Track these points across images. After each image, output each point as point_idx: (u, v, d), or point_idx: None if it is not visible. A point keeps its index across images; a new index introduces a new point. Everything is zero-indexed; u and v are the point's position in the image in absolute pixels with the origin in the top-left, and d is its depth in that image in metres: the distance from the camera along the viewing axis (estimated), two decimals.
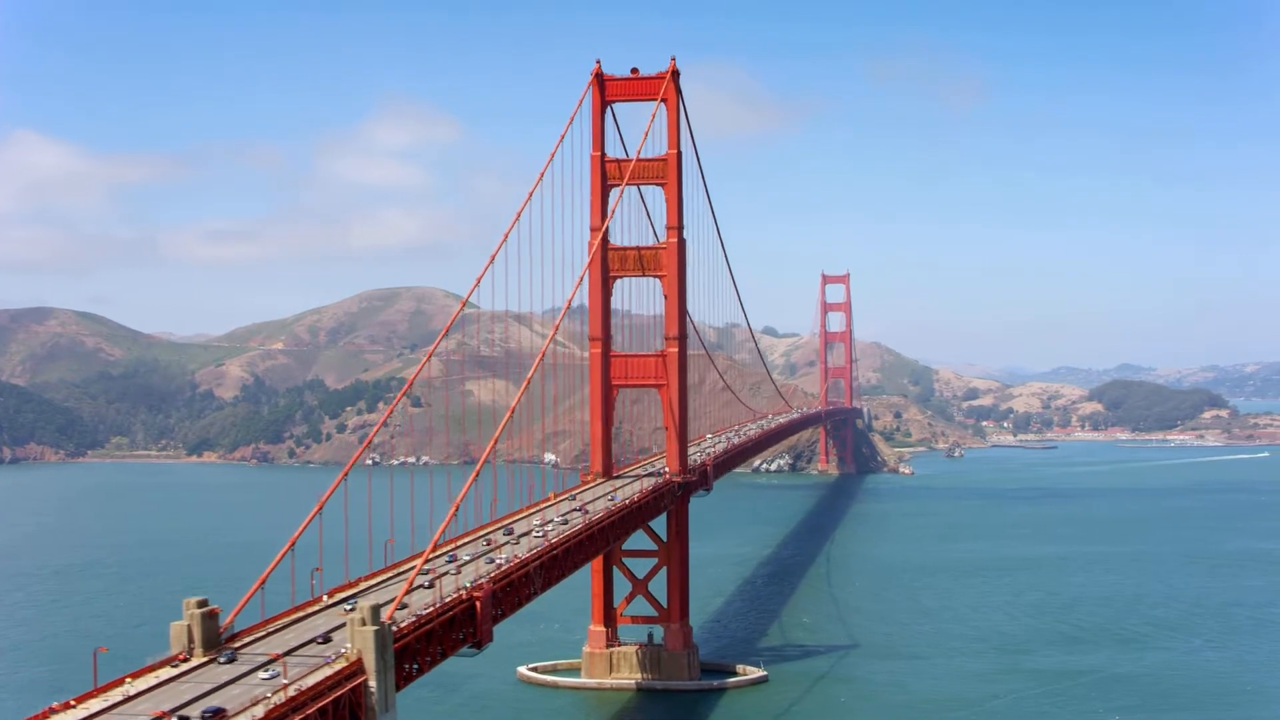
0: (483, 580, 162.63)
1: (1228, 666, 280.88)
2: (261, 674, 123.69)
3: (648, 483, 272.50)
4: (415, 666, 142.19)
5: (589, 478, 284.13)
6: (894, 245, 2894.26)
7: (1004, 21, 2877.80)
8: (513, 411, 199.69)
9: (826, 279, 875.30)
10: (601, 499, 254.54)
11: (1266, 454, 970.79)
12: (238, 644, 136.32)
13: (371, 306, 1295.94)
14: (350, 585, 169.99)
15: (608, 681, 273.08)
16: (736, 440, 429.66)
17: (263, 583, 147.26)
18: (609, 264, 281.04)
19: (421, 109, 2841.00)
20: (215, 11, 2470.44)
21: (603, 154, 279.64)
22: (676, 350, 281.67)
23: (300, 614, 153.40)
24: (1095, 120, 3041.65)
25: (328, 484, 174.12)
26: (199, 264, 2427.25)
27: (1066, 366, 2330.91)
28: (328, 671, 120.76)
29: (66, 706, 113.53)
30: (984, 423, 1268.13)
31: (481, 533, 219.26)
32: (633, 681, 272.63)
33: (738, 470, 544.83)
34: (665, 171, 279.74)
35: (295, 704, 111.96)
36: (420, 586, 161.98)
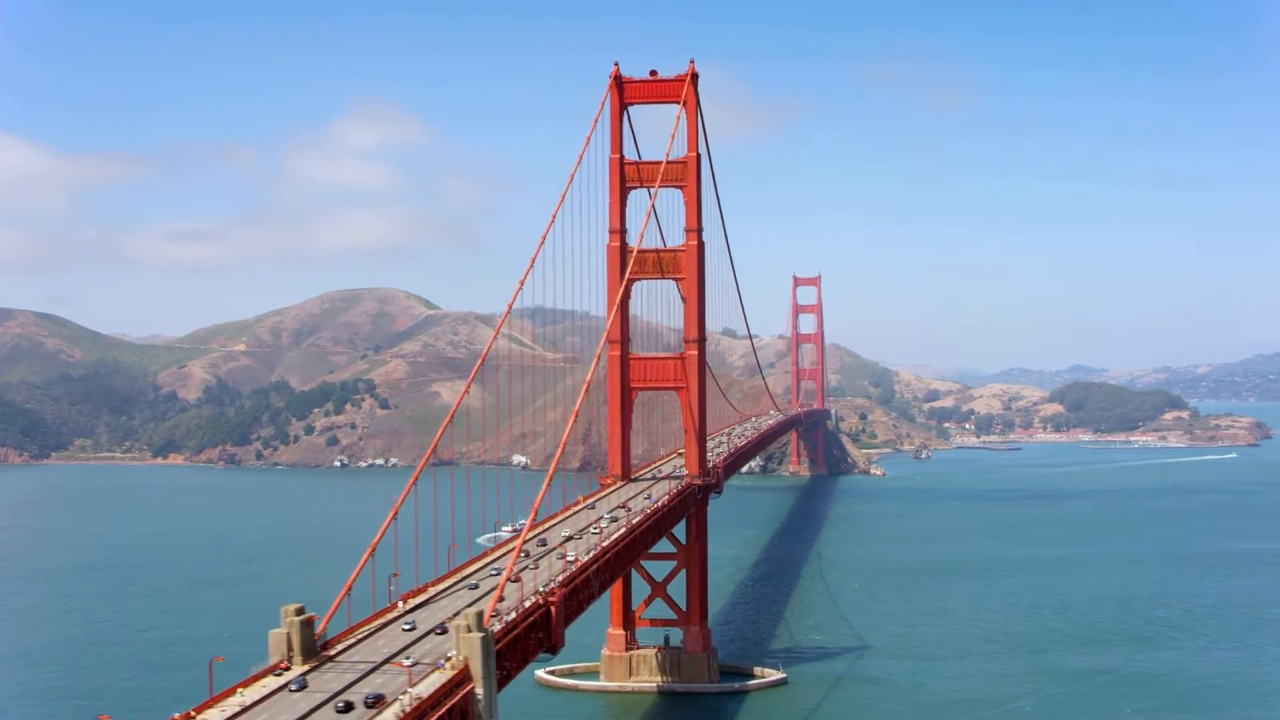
0: (554, 585, 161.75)
1: (1242, 666, 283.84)
2: (375, 679, 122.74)
3: (671, 485, 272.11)
4: (504, 672, 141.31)
5: (609, 481, 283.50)
6: (847, 247, 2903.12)
7: (980, 27, 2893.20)
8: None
9: (798, 281, 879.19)
10: (638, 498, 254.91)
11: (1234, 455, 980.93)
12: (331, 651, 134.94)
13: (334, 308, 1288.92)
14: (419, 590, 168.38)
15: (628, 685, 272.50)
16: (740, 442, 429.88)
17: (349, 590, 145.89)
18: (628, 266, 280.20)
19: (391, 110, 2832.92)
20: (189, 11, 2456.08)
21: (622, 156, 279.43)
22: (696, 353, 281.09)
23: (379, 621, 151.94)
24: (1056, 123, 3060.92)
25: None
26: (162, 265, 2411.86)
27: (1019, 368, 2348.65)
28: (440, 679, 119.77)
29: (187, 718, 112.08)
30: (946, 424, 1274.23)
31: (518, 541, 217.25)
32: (653, 684, 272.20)
33: None
34: (684, 174, 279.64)
35: (418, 713, 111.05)
36: (487, 593, 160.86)
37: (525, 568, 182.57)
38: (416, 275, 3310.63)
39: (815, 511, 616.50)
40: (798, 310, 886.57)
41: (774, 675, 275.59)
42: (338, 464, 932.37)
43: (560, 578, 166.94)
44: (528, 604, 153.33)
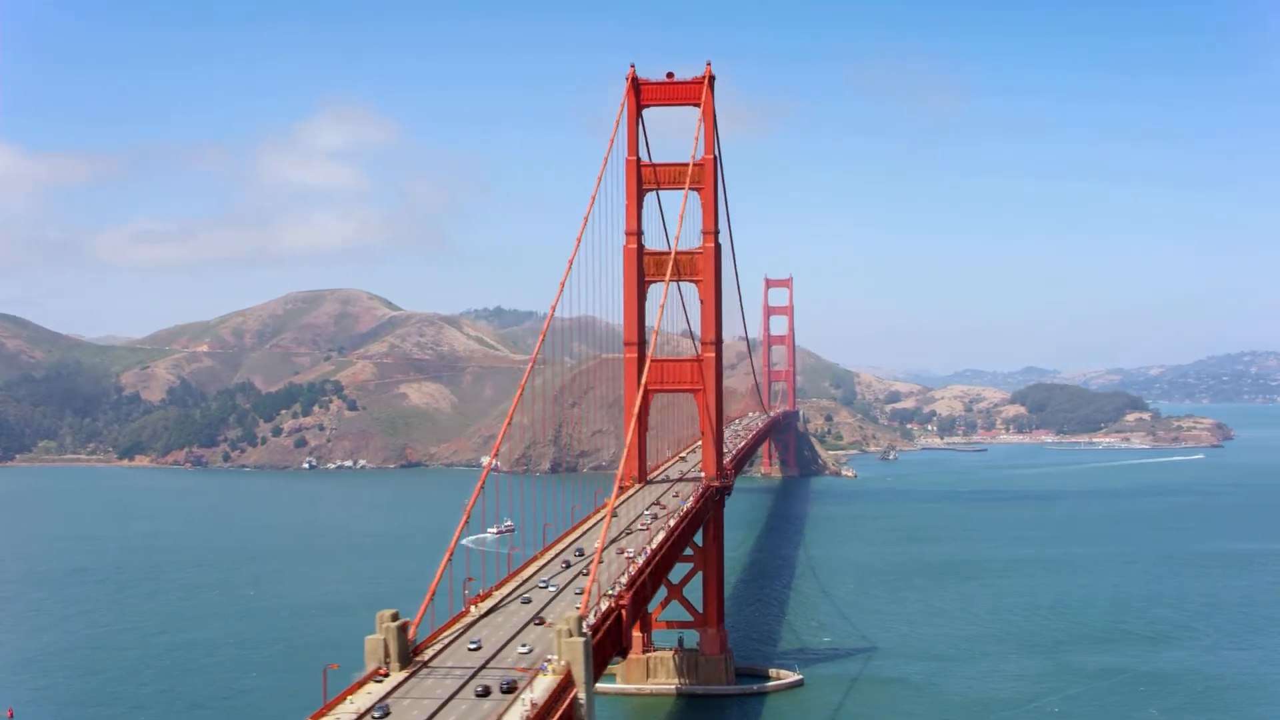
0: (621, 589, 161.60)
1: (1255, 665, 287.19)
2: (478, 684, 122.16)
3: (695, 487, 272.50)
4: None
5: (627, 483, 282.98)
6: (806, 249, 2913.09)
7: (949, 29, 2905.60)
8: None
9: (770, 283, 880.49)
10: (669, 497, 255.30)
11: (1201, 455, 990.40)
12: (422, 658, 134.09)
13: (296, 308, 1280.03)
14: (484, 595, 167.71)
15: (646, 687, 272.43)
16: (740, 443, 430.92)
17: (433, 595, 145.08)
18: (644, 269, 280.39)
19: (360, 111, 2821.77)
20: (158, 11, 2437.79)
21: (638, 159, 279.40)
22: (713, 355, 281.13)
23: (457, 625, 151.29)
24: (1010, 124, 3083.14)
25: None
26: (128, 266, 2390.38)
27: (973, 369, 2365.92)
28: (550, 683, 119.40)
29: None
30: (909, 425, 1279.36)
31: (556, 549, 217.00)
32: (672, 686, 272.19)
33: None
34: (701, 176, 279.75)
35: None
36: (548, 601, 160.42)
37: (577, 573, 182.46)
38: (380, 276, 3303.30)
39: (795, 513, 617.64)
40: (769, 312, 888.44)
41: (790, 677, 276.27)
42: (306, 466, 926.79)
43: (624, 579, 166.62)
44: (603, 608, 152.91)
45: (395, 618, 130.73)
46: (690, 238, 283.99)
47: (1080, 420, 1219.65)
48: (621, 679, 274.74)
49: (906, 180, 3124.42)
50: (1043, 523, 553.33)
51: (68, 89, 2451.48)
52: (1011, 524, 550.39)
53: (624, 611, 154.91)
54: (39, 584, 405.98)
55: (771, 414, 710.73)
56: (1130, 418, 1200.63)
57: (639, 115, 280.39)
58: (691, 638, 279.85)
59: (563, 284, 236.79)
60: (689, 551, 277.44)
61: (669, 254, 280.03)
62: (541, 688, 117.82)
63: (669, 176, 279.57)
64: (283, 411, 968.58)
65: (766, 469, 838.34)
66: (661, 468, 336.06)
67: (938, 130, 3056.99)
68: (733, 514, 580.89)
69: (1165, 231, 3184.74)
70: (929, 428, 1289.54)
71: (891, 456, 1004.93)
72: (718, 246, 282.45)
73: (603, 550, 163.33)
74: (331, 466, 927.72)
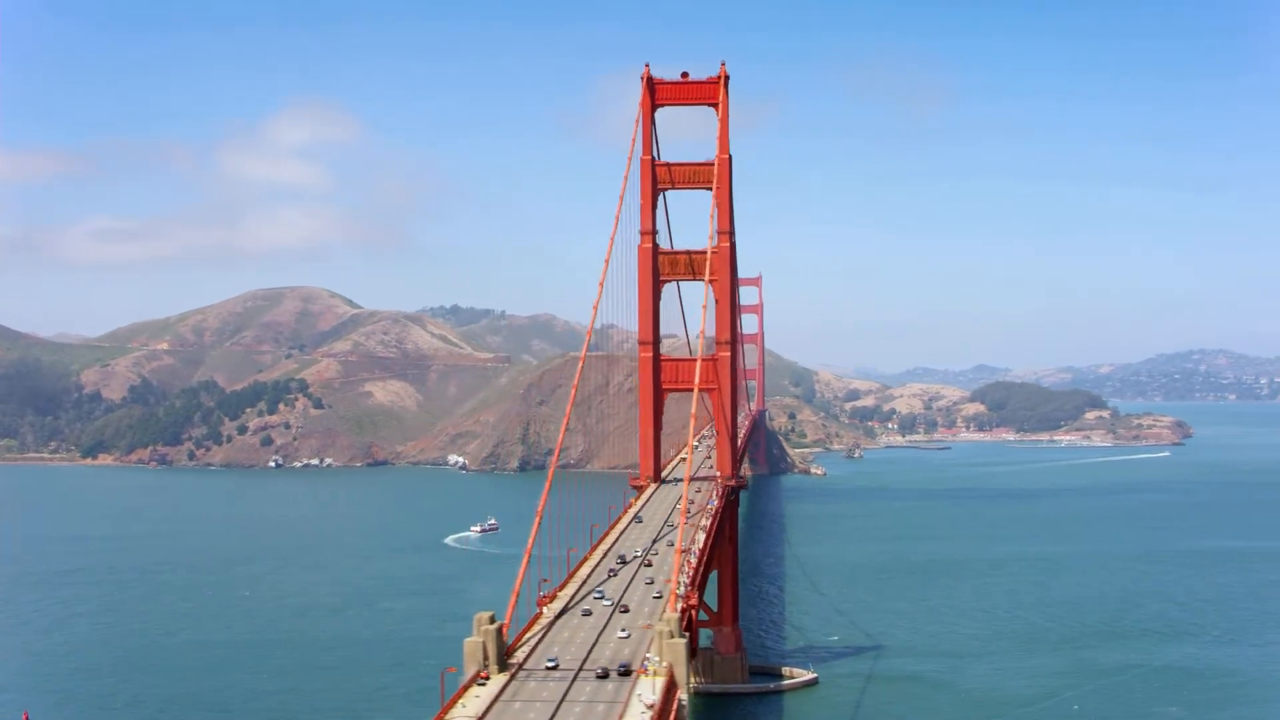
0: (689, 589, 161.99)
1: (1266, 661, 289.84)
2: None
3: (715, 486, 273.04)
4: None
5: (644, 483, 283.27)
6: (769, 249, 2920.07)
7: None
8: None
9: (740, 281, 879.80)
10: (698, 496, 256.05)
11: (1168, 453, 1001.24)
12: (514, 659, 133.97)
13: (256, 306, 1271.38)
14: (550, 597, 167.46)
15: None
16: (740, 443, 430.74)
17: (517, 597, 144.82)
18: (659, 268, 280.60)
19: (325, 109, 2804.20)
20: (122, 7, 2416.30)
21: (654, 158, 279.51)
22: (728, 354, 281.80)
23: (536, 627, 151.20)
24: (964, 129, 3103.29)
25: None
26: (86, 264, 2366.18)
27: (923, 367, 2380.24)
28: (660, 684, 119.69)
29: None
30: (870, 423, 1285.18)
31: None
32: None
33: None
34: (715, 176, 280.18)
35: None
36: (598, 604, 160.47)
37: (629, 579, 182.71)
38: (338, 274, 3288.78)
39: (772, 511, 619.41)
40: (738, 310, 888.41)
41: (805, 675, 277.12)
42: (272, 464, 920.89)
43: (688, 580, 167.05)
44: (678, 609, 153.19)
45: (492, 620, 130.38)
46: (700, 238, 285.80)
47: (1040, 418, 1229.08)
48: None
49: (858, 179, 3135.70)
50: (1020, 521, 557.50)
51: (30, 87, 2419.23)
52: (988, 522, 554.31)
53: (693, 611, 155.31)
54: (34, 585, 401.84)
55: (750, 412, 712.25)
56: (1090, 416, 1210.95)
57: (654, 114, 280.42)
58: (703, 636, 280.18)
59: (601, 285, 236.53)
60: None
61: (684, 253, 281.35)
62: (651, 688, 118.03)
63: (684, 176, 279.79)
64: (248, 410, 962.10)
65: None
66: (667, 466, 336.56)
67: (900, 131, 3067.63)
68: None
69: (1114, 230, 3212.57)
70: (890, 426, 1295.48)
71: (857, 455, 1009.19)
72: (733, 246, 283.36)
73: (679, 550, 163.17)
74: (298, 465, 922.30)
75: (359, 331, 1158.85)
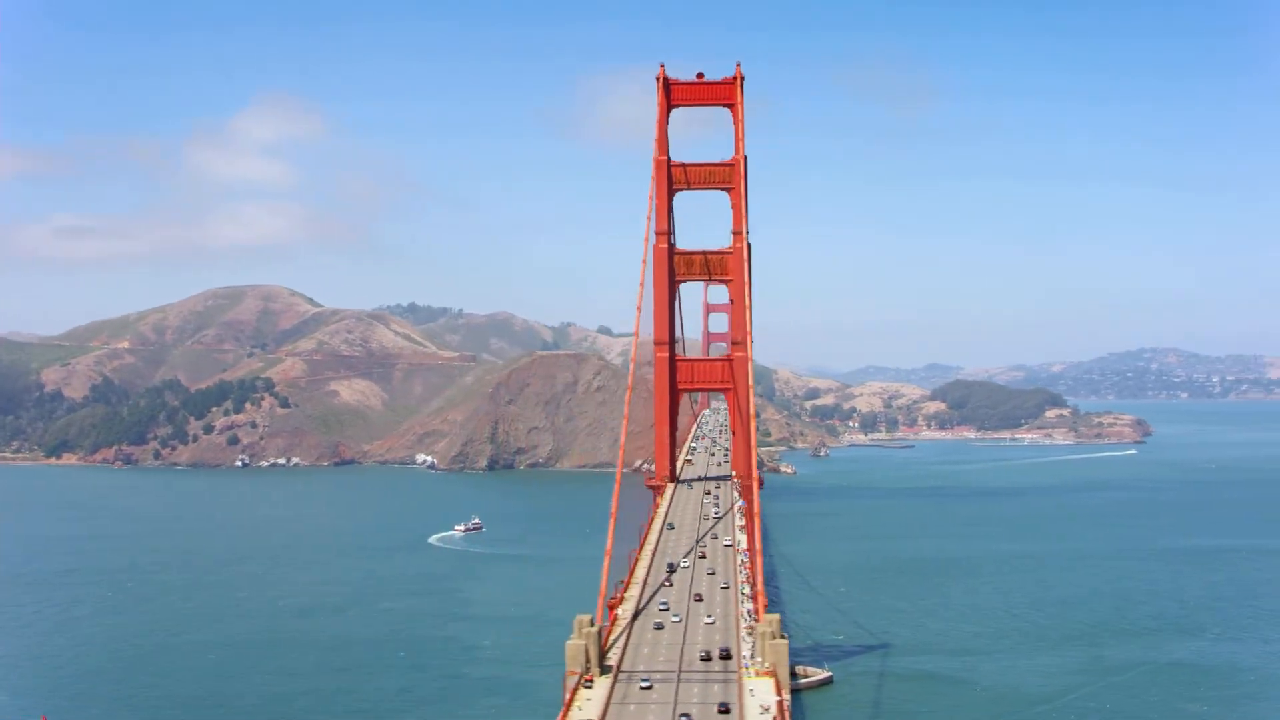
0: (758, 590, 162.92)
1: (1277, 658, 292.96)
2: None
3: (724, 485, 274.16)
4: None
5: (661, 483, 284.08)
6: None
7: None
8: None
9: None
10: (719, 494, 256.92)
11: (1133, 451, 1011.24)
12: (609, 661, 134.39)
13: (217, 304, 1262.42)
14: (619, 600, 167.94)
15: None
16: (726, 443, 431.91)
17: (603, 600, 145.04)
18: (675, 268, 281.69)
19: (290, 105, 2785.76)
20: (92, 8, 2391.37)
21: (669, 158, 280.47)
22: (744, 354, 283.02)
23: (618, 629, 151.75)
24: (922, 128, 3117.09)
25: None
26: (46, 262, 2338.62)
27: (873, 366, 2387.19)
28: (769, 684, 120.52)
29: None
30: (831, 421, 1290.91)
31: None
32: None
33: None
34: (730, 176, 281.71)
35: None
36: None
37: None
38: (303, 272, 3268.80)
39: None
40: (709, 309, 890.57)
41: (820, 674, 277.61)
42: (239, 463, 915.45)
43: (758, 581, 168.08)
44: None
45: (592, 623, 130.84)
46: (716, 237, 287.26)
47: (1001, 417, 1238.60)
48: None
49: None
50: (995, 519, 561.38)
51: None
52: (964, 520, 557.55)
53: (760, 613, 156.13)
54: (30, 586, 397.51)
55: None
56: (1051, 414, 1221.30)
57: (669, 114, 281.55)
58: None
59: (641, 285, 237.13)
60: None
61: (699, 253, 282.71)
62: (762, 688, 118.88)
63: (699, 177, 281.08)
64: (214, 409, 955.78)
65: None
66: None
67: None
68: None
69: (1059, 230, 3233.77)
70: (851, 424, 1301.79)
71: (823, 453, 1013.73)
72: (748, 246, 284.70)
73: (752, 551, 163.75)
74: (265, 464, 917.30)
75: (323, 330, 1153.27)
